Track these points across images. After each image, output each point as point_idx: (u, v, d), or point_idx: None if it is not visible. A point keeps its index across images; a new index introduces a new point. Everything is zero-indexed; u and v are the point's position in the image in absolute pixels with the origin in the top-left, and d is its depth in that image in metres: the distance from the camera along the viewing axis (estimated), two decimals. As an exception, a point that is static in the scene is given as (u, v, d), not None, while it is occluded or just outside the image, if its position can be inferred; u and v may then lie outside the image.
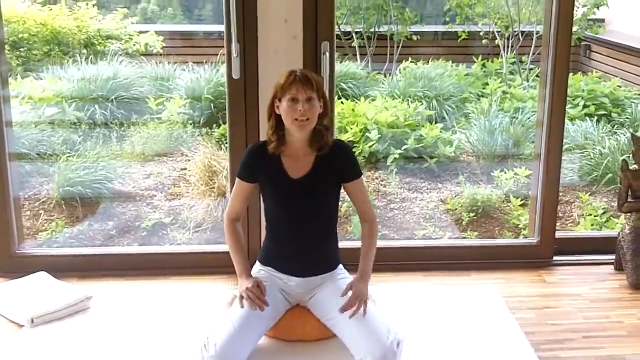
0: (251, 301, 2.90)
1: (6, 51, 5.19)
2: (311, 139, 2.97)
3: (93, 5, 6.51)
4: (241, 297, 2.93)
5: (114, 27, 6.51)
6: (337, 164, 3.03)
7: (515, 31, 7.01)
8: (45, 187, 5.09)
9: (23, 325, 3.36)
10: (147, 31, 6.56)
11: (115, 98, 5.84)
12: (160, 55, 6.45)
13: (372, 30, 7.20)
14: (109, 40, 6.42)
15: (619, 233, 4.05)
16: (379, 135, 5.64)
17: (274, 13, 3.59)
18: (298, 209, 3.03)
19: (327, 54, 3.65)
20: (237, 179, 3.09)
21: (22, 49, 6.07)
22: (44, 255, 4.07)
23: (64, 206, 4.94)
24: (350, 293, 2.94)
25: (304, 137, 2.96)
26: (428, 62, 6.94)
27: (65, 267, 3.90)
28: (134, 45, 6.44)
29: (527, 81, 6.89)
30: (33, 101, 5.64)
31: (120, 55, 6.32)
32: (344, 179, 3.06)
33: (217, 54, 5.98)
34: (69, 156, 5.23)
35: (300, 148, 2.99)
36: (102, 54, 6.29)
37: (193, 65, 6.36)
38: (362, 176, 3.12)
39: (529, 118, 5.97)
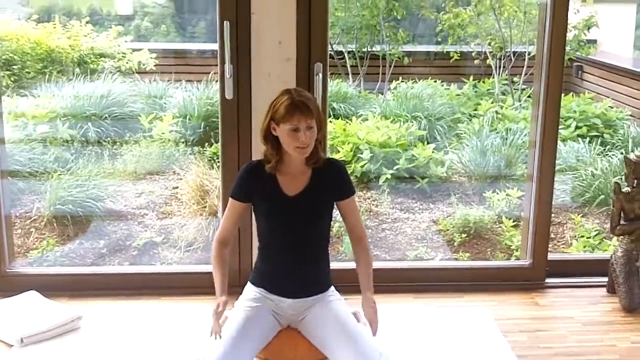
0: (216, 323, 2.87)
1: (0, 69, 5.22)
2: (306, 157, 2.97)
3: (87, 23, 6.53)
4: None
5: (108, 45, 6.52)
6: (332, 181, 3.03)
7: (507, 52, 7.04)
8: (36, 205, 5.07)
9: (12, 345, 3.34)
10: (140, 49, 6.57)
11: (108, 116, 5.84)
12: (154, 73, 6.46)
13: (364, 50, 7.23)
14: (102, 58, 6.42)
15: (611, 256, 4.05)
16: (371, 155, 5.64)
17: (267, 35, 3.60)
18: (292, 228, 3.02)
19: (320, 75, 3.66)
20: (230, 200, 3.07)
21: (15, 67, 6.06)
22: (34, 275, 4.06)
23: (55, 224, 4.92)
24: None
25: (302, 157, 2.96)
26: (418, 81, 6.97)
27: (56, 286, 3.88)
28: (127, 63, 6.45)
29: (519, 102, 6.92)
30: (26, 119, 5.63)
31: (114, 73, 6.33)
32: (338, 197, 3.06)
33: (210, 72, 5.99)
34: (60, 174, 5.22)
35: (297, 166, 2.99)
36: (96, 72, 6.29)
37: (186, 83, 6.37)
38: (355, 194, 3.12)
39: (520, 139, 5.98)
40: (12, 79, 6.03)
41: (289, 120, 2.85)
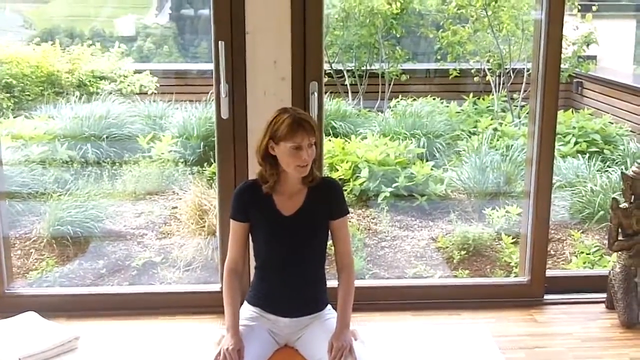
0: None
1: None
2: (304, 175, 2.97)
3: (89, 46, 6.58)
4: (219, 354, 2.88)
5: (108, 68, 6.56)
6: (327, 200, 3.03)
7: (506, 69, 7.06)
8: (36, 226, 5.09)
9: (10, 366, 3.34)
10: (141, 71, 6.61)
11: (107, 137, 5.87)
12: (154, 94, 6.49)
13: (363, 68, 7.26)
14: (102, 81, 6.47)
15: (609, 271, 4.05)
16: (370, 173, 5.65)
17: (262, 55, 3.62)
18: (288, 247, 3.02)
19: (316, 93, 3.67)
20: (231, 222, 3.06)
21: (15, 89, 6.11)
22: (33, 295, 4.07)
23: (54, 245, 4.94)
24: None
25: (300, 176, 2.97)
26: (417, 99, 7.00)
27: (55, 307, 3.88)
28: (128, 86, 6.49)
29: (519, 118, 6.93)
30: (24, 140, 5.66)
31: (114, 94, 6.37)
32: (331, 215, 3.06)
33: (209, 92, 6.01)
34: (60, 195, 5.24)
35: (293, 185, 2.99)
36: (95, 94, 6.33)
37: (186, 103, 6.40)
38: (348, 215, 3.11)
39: (520, 155, 5.98)
40: (12, 101, 6.07)
41: (291, 138, 2.84)
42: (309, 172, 2.96)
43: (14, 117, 6.01)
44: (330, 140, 6.02)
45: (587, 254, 5.06)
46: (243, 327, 2.99)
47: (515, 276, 4.65)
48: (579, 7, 7.12)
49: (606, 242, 4.87)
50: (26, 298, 3.98)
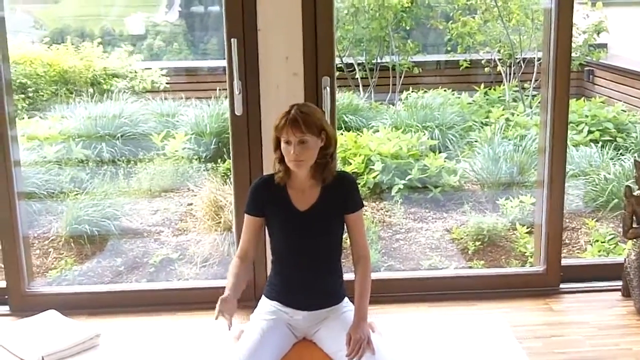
0: (220, 312, 2.89)
1: (13, 93, 5.28)
2: (314, 172, 3.00)
3: (99, 44, 6.62)
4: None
5: (120, 65, 6.59)
6: (342, 194, 3.06)
7: (516, 58, 7.06)
8: (54, 225, 5.14)
9: (33, 364, 3.38)
10: (150, 68, 6.65)
11: (121, 135, 5.91)
12: (166, 91, 6.53)
13: (374, 61, 7.26)
14: (115, 78, 6.51)
15: (625, 259, 4.05)
16: (383, 166, 5.67)
17: (274, 51, 3.64)
18: (304, 241, 3.05)
19: (328, 88, 3.69)
20: (245, 216, 3.10)
21: (30, 89, 6.15)
22: (53, 294, 4.10)
23: (72, 244, 4.98)
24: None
25: (306, 172, 3.00)
26: (428, 91, 7.01)
27: (75, 305, 3.92)
28: (139, 82, 6.52)
29: (531, 108, 6.92)
30: (39, 140, 5.71)
31: (126, 92, 6.40)
32: (346, 209, 3.08)
33: (223, 90, 6.04)
34: (76, 194, 5.28)
35: (305, 181, 3.02)
36: (108, 92, 6.37)
37: (197, 100, 6.44)
38: (363, 209, 3.14)
39: (532, 145, 5.98)
40: (26, 102, 6.12)
41: (281, 133, 2.92)
42: (319, 171, 2.99)
43: (29, 118, 6.06)
44: (342, 134, 6.04)
45: (602, 242, 5.06)
46: (262, 320, 3.03)
47: (530, 266, 4.65)
48: (589, -5, 7.12)
49: (621, 230, 4.88)
50: (46, 297, 4.01)
